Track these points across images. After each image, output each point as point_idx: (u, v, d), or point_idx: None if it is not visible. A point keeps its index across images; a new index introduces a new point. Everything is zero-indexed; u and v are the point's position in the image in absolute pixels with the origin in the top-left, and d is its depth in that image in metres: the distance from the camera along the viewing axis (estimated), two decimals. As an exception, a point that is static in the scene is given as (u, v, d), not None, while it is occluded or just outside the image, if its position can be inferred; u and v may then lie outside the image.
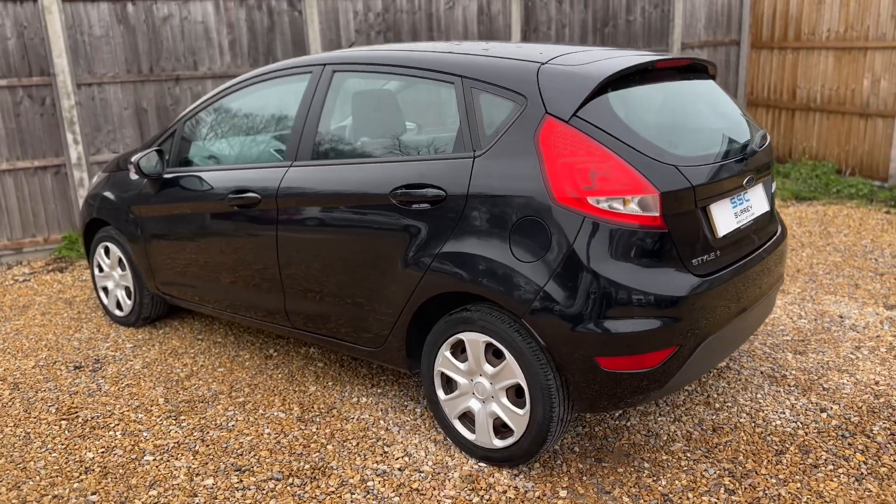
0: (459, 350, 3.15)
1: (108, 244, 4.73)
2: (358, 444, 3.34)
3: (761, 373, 3.88)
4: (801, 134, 8.67)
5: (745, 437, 3.30)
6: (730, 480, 3.00)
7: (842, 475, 3.01)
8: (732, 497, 2.89)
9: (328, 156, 3.50)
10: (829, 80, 8.26)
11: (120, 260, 4.70)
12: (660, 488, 2.96)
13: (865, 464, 3.08)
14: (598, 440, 3.32)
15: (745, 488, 2.94)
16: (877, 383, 3.74)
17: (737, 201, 3.14)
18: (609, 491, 2.96)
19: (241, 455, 3.28)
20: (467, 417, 3.21)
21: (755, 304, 3.24)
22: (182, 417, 3.63)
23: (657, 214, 2.73)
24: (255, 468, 3.18)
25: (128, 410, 3.72)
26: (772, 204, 3.51)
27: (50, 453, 3.36)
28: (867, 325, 4.43)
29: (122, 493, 3.05)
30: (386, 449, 3.29)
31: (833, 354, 4.07)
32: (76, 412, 3.73)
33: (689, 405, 3.58)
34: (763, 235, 3.33)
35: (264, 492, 3.02)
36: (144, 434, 3.49)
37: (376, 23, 7.26)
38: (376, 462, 3.19)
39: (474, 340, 3.02)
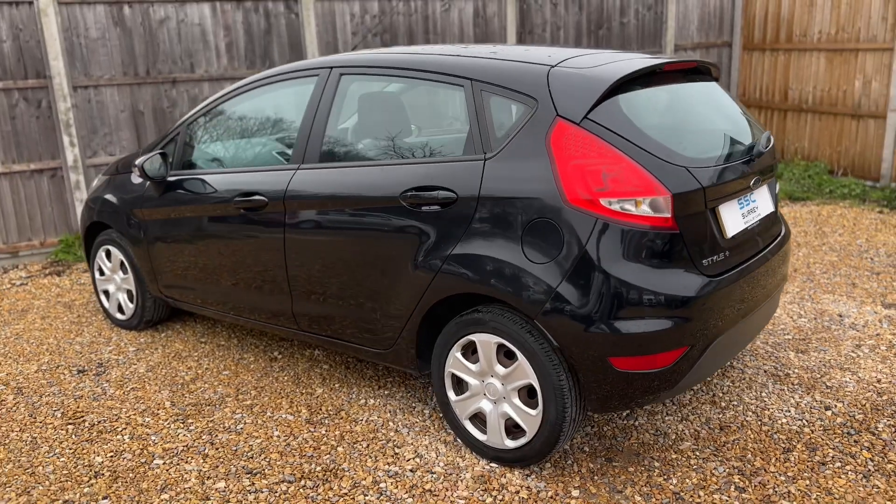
0: (470, 351, 3.16)
1: (110, 247, 4.71)
2: (368, 445, 3.34)
3: (765, 371, 3.92)
4: (793, 135, 8.75)
5: (752, 436, 3.33)
6: (739, 478, 3.03)
7: (849, 472, 3.05)
8: (743, 495, 2.92)
9: (336, 158, 3.50)
10: (821, 81, 8.34)
11: (122, 263, 4.68)
12: (671, 487, 2.99)
13: (872, 461, 3.12)
14: (608, 440, 3.34)
15: (756, 486, 2.97)
16: (879, 381, 3.79)
17: (744, 202, 3.17)
18: (621, 490, 2.98)
19: (252, 458, 3.28)
20: (478, 418, 3.23)
21: (761, 304, 3.28)
22: (189, 421, 3.62)
23: (669, 215, 2.76)
24: (266, 471, 3.18)
25: (134, 414, 3.71)
26: (776, 205, 3.55)
27: (58, 458, 3.35)
28: (866, 324, 4.49)
29: (134, 497, 3.04)
30: (396, 450, 3.30)
31: (834, 353, 4.12)
32: (82, 416, 3.71)
33: (696, 404, 3.61)
34: (768, 236, 3.37)
35: (277, 494, 3.02)
36: (153, 438, 3.49)
37: (373, 25, 7.26)
38: (387, 464, 3.20)
39: (486, 341, 3.04)
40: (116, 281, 4.76)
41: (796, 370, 3.93)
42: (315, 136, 3.55)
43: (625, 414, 3.54)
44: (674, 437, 3.35)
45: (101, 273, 4.86)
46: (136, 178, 4.45)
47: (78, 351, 4.51)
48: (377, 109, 3.59)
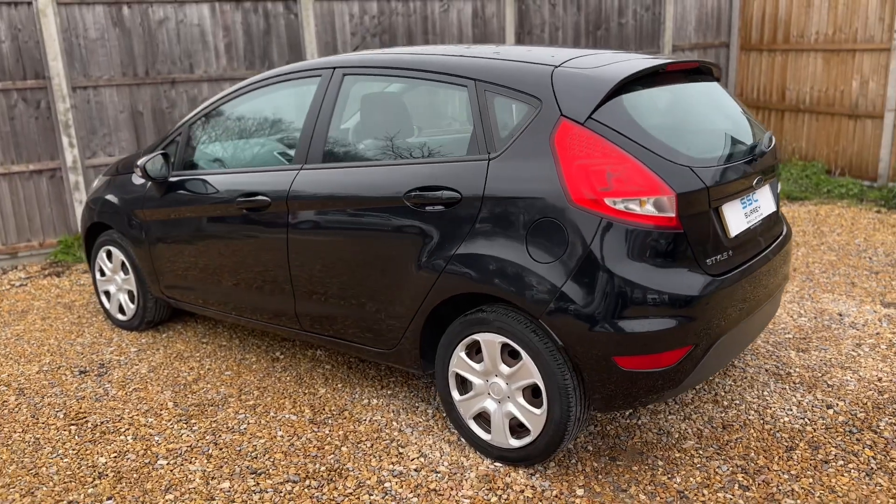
0: (474, 351, 3.16)
1: (111, 248, 4.70)
2: (372, 445, 3.35)
3: (766, 370, 3.93)
4: (790, 135, 8.78)
5: (754, 434, 3.34)
6: (743, 477, 3.04)
7: (852, 470, 3.06)
8: (747, 493, 2.93)
9: (339, 159, 3.51)
10: (818, 81, 8.37)
11: (123, 264, 4.68)
12: (675, 485, 3.00)
13: (874, 459, 3.13)
14: (611, 439, 3.35)
15: (759, 484, 2.99)
16: (880, 380, 3.80)
17: (747, 202, 3.18)
18: (625, 489, 2.99)
19: (256, 458, 3.29)
20: (482, 418, 3.23)
21: (764, 304, 3.29)
22: (193, 421, 3.62)
23: (673, 215, 2.77)
24: (270, 471, 3.18)
25: (137, 415, 3.71)
26: (778, 204, 3.57)
27: (61, 459, 3.34)
28: (866, 323, 4.51)
29: (139, 497, 3.04)
30: (401, 450, 3.30)
31: (835, 352, 4.13)
32: (85, 417, 3.71)
33: (698, 403, 3.62)
34: (770, 235, 3.38)
35: (282, 494, 3.02)
36: (156, 438, 3.48)
37: (371, 25, 7.27)
38: (392, 463, 3.21)
39: (490, 341, 3.04)
40: (117, 281, 4.76)
41: (797, 369, 3.94)
42: (318, 137, 3.55)
43: (627, 413, 3.55)
44: (677, 435, 3.36)
45: (102, 274, 4.86)
46: (137, 179, 4.44)
47: (79, 352, 4.51)
48: (380, 110, 3.59)
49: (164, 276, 4.39)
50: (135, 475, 3.20)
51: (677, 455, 3.21)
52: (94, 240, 4.90)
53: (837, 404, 3.58)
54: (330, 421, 3.57)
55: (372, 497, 2.98)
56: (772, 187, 3.50)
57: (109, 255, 4.75)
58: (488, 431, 3.19)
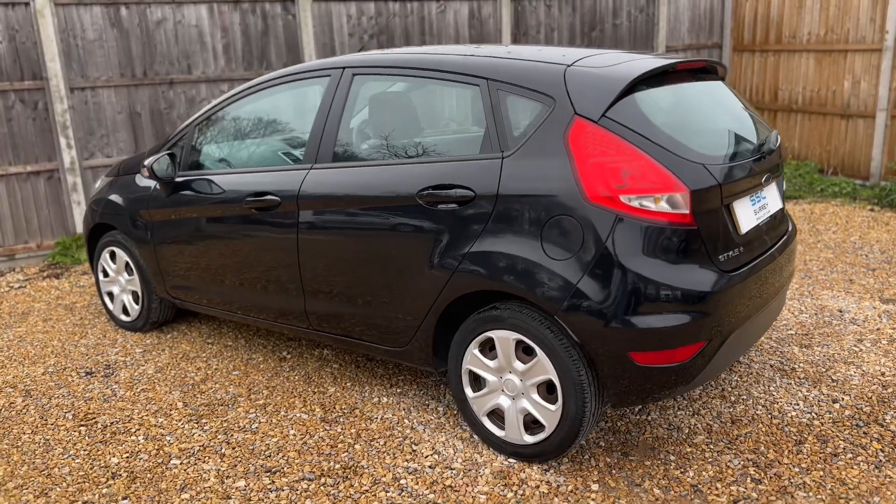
0: (488, 348, 3.19)
1: (114, 249, 4.69)
2: (385, 443, 3.36)
3: (771, 366, 3.98)
4: (783, 135, 8.86)
5: (763, 429, 3.38)
6: (755, 470, 3.08)
7: (861, 463, 3.11)
8: (760, 486, 2.97)
9: (350, 158, 3.52)
10: (811, 81, 8.46)
11: (127, 264, 4.66)
12: (688, 480, 3.03)
13: (882, 451, 3.18)
14: (622, 435, 3.38)
15: (771, 477, 3.02)
16: (883, 374, 3.86)
17: (755, 199, 3.23)
18: (639, 483, 3.02)
19: (270, 456, 3.29)
20: (495, 414, 3.25)
21: (772, 300, 3.33)
22: (203, 421, 3.62)
23: (687, 212, 2.80)
24: (285, 469, 3.19)
25: (147, 415, 3.70)
26: (783, 202, 3.61)
27: (73, 459, 3.33)
28: (866, 319, 4.57)
29: (154, 497, 3.04)
30: (414, 447, 3.32)
31: (837, 347, 4.19)
32: (94, 418, 3.70)
33: (706, 399, 3.66)
34: (777, 233, 3.43)
35: (298, 492, 3.03)
36: (167, 438, 3.48)
37: (369, 26, 7.28)
38: (406, 460, 3.22)
39: (504, 338, 3.06)
40: (121, 282, 4.74)
41: (802, 364, 3.99)
42: (328, 136, 3.56)
43: (637, 409, 3.59)
44: (687, 431, 3.39)
45: (105, 275, 4.84)
46: (142, 180, 4.44)
47: (83, 353, 4.49)
48: (391, 109, 3.61)
49: (170, 277, 4.39)
50: (149, 475, 3.19)
51: (689, 450, 3.24)
52: (97, 241, 4.89)
53: (843, 398, 3.63)
54: (341, 419, 3.58)
55: (388, 494, 2.99)
56: (778, 185, 3.54)
57: (113, 255, 4.73)
58: (502, 428, 3.21)
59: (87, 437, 3.51)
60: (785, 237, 3.50)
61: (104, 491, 3.09)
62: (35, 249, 6.35)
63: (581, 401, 2.91)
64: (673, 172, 2.80)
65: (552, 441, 3.03)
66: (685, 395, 3.70)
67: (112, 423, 3.64)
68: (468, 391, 3.28)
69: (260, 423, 3.58)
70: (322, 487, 3.05)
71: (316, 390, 3.89)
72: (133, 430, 3.57)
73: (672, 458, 3.19)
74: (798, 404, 3.59)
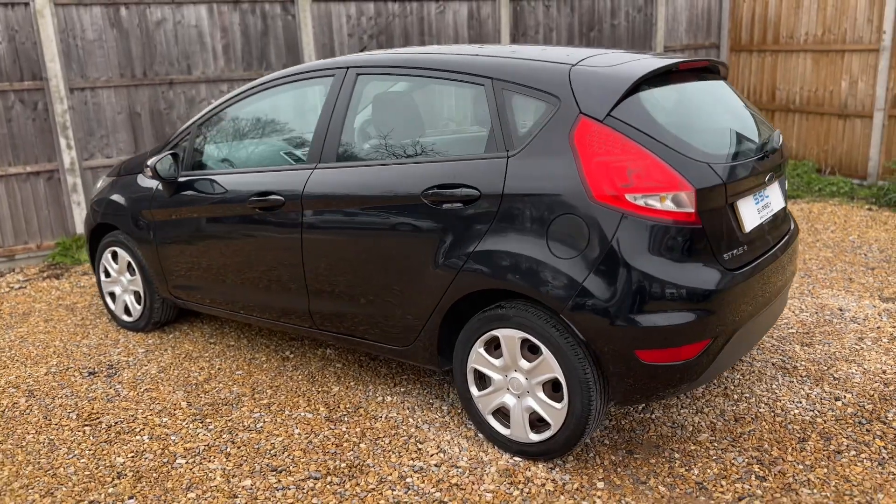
0: (493, 347, 3.20)
1: (116, 249, 4.69)
2: (390, 442, 3.37)
3: (773, 364, 4.00)
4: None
5: (766, 426, 3.40)
6: (759, 467, 3.09)
7: (864, 460, 3.13)
8: (764, 483, 2.99)
9: (354, 158, 3.53)
10: (808, 82, 8.49)
11: (129, 264, 4.66)
12: (693, 477, 3.05)
13: (885, 448, 3.20)
14: (626, 433, 3.39)
15: (775, 474, 3.04)
16: (884, 372, 3.88)
17: (759, 198, 3.24)
18: (644, 481, 3.04)
19: (275, 455, 3.30)
20: (501, 413, 3.26)
21: (775, 299, 3.35)
22: (208, 420, 3.62)
23: (692, 210, 2.82)
24: (291, 468, 3.19)
25: (151, 415, 3.70)
26: (785, 201, 3.63)
27: (78, 459, 3.33)
28: (867, 317, 4.59)
29: (160, 496, 3.04)
30: (419, 446, 3.32)
31: (839, 345, 4.21)
32: (98, 418, 3.70)
33: (709, 397, 3.68)
34: (780, 232, 3.45)
35: (304, 491, 3.03)
36: (172, 437, 3.48)
37: (369, 27, 7.29)
38: (412, 459, 3.23)
39: (510, 337, 3.07)
40: (123, 282, 4.74)
41: (803, 363, 4.01)
42: (332, 136, 3.57)
43: (641, 408, 3.60)
44: (691, 429, 3.41)
45: (107, 275, 4.84)
46: (144, 180, 4.44)
47: (86, 353, 4.49)
48: (395, 109, 3.61)
49: (173, 277, 4.39)
50: (154, 474, 3.20)
51: (693, 447, 3.26)
52: (98, 241, 4.88)
53: (845, 396, 3.65)
54: (346, 418, 3.59)
55: (395, 492, 3.00)
56: (780, 184, 3.56)
57: (115, 256, 4.73)
58: (507, 426, 3.22)
59: (91, 437, 3.51)
60: (787, 236, 3.51)
61: (110, 490, 3.10)
62: (35, 250, 6.34)
63: (587, 399, 2.92)
64: (678, 171, 2.81)
65: (558, 439, 3.04)
66: (688, 393, 3.71)
67: (116, 422, 3.64)
68: (473, 390, 3.28)
69: (264, 422, 3.59)
70: (328, 486, 3.06)
71: (320, 390, 3.89)
72: (137, 429, 3.57)
73: (677, 455, 3.21)
74: (800, 402, 3.61)
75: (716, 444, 3.27)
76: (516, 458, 3.21)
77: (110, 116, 6.44)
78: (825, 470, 3.06)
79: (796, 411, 3.52)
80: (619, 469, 3.12)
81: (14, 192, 6.19)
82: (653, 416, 3.52)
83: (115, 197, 4.63)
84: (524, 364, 3.08)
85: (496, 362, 3.17)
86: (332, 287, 3.60)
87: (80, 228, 6.44)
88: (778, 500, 2.89)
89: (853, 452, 3.18)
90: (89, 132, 6.38)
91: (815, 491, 2.93)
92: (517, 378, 3.12)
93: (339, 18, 7.15)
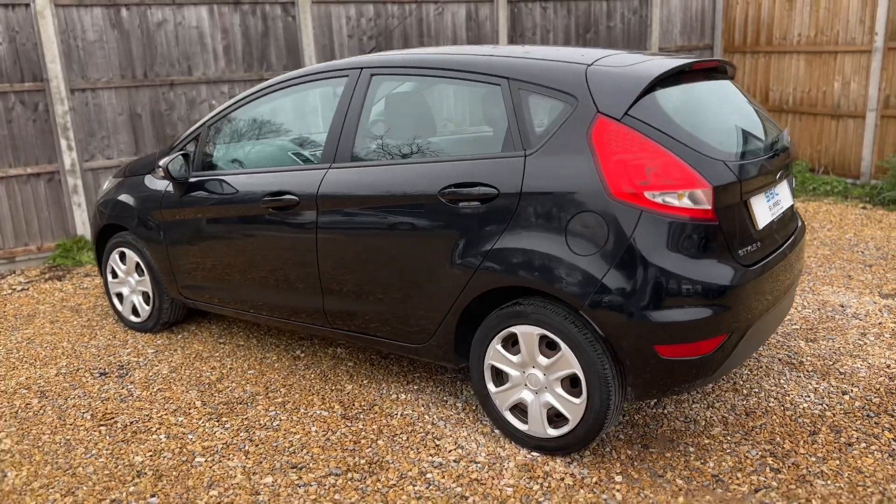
0: (510, 343, 3.23)
1: (124, 249, 4.69)
2: (408, 438, 3.40)
3: (779, 360, 4.06)
4: (774, 135, 8.99)
5: (777, 420, 3.46)
6: (773, 460, 3.15)
7: (875, 452, 3.19)
8: (779, 475, 3.05)
9: (369, 157, 3.56)
10: (801, 82, 8.60)
11: (137, 265, 4.66)
12: (709, 470, 3.10)
13: (895, 440, 3.27)
14: (640, 428, 3.44)
15: (789, 467, 3.10)
16: (889, 366, 3.95)
17: (770, 195, 3.30)
18: (661, 475, 3.09)
19: (294, 453, 3.32)
20: (518, 409, 3.30)
21: (785, 295, 3.41)
22: (224, 419, 3.64)
23: (709, 207, 2.87)
24: (310, 465, 3.22)
25: (166, 414, 3.71)
26: (793, 198, 3.69)
27: (96, 459, 3.34)
28: (868, 314, 4.67)
29: (182, 494, 3.06)
30: (437, 442, 3.36)
31: (842, 341, 4.28)
32: (113, 417, 3.70)
33: (719, 392, 3.74)
34: (788, 230, 3.51)
35: (326, 487, 3.06)
36: (189, 436, 3.50)
37: (368, 28, 7.32)
38: (430, 455, 3.26)
39: (528, 333, 3.11)
40: (131, 283, 4.74)
41: (809, 358, 4.08)
42: (346, 136, 3.60)
43: (653, 403, 3.65)
44: (703, 423, 3.46)
45: (115, 276, 4.84)
46: (153, 180, 4.44)
47: (95, 354, 4.49)
48: (409, 109, 3.65)
49: (182, 277, 4.39)
50: (174, 473, 3.21)
51: (707, 441, 3.31)
52: (105, 242, 4.88)
53: (852, 390, 3.72)
54: (362, 416, 3.62)
55: (416, 488, 3.03)
56: (789, 183, 3.63)
57: (122, 256, 4.73)
58: (524, 422, 3.26)
59: (108, 437, 3.52)
60: (795, 234, 3.58)
61: (131, 489, 3.11)
62: (35, 252, 6.32)
63: (606, 394, 2.97)
64: (696, 169, 2.86)
65: (577, 434, 3.09)
66: (698, 389, 3.77)
67: (132, 422, 3.65)
68: (490, 386, 3.32)
69: (281, 420, 3.61)
70: (350, 482, 3.09)
71: (333, 388, 3.92)
72: (154, 428, 3.58)
73: (691, 449, 3.26)
74: (809, 396, 3.67)
75: (729, 438, 3.33)
76: (534, 454, 3.25)
77: (111, 117, 6.43)
78: (837, 462, 3.12)
79: (805, 405, 3.59)
80: (635, 463, 3.17)
81: (14, 194, 6.17)
82: (665, 412, 3.57)
83: (123, 198, 4.63)
84: (542, 360, 3.12)
85: (514, 359, 3.20)
86: (346, 286, 3.63)
87: (80, 230, 6.43)
88: (793, 492, 2.94)
89: (864, 444, 3.24)
90: (90, 133, 6.37)
91: (828, 482, 2.99)
92: (535, 374, 3.16)
93: (339, 20, 7.18)
